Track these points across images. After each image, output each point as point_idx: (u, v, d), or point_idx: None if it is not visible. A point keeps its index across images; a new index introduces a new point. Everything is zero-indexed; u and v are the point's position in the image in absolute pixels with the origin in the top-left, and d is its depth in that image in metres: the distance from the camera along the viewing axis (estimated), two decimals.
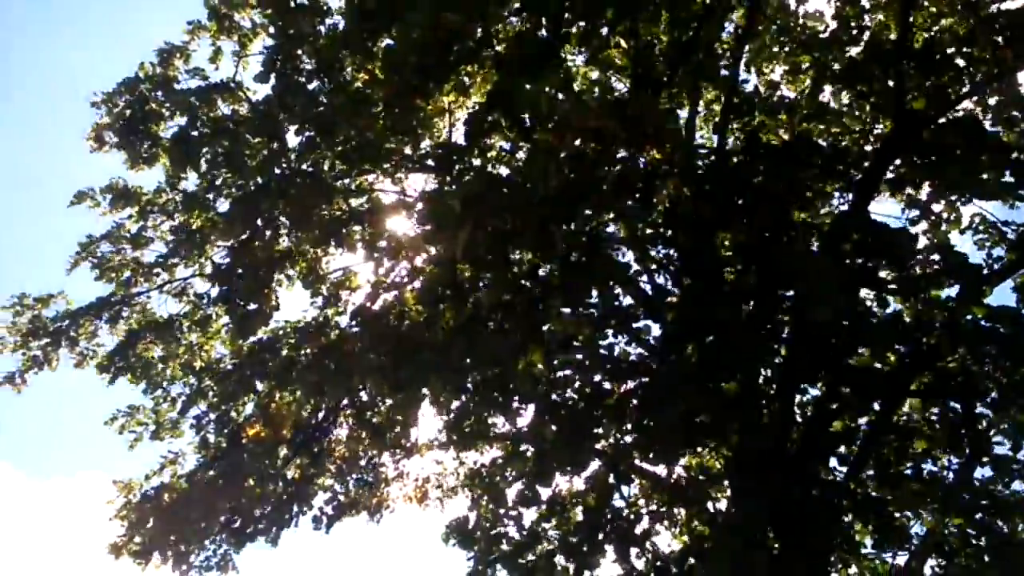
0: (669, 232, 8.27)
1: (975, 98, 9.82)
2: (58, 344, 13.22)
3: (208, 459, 12.81)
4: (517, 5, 7.89)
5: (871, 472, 9.70)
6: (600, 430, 8.75)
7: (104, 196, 13.30)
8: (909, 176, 9.23)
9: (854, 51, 9.71)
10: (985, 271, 9.08)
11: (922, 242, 10.21)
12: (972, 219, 11.12)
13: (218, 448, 12.90)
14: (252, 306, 11.27)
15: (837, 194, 10.18)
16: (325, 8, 11.07)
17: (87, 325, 13.33)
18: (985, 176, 7.97)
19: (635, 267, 9.29)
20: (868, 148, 10.27)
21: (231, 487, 11.83)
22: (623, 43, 9.71)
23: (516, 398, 8.73)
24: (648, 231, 8.48)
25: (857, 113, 10.76)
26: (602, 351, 9.04)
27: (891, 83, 8.27)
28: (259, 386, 12.91)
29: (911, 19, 8.90)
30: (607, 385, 8.85)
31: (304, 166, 11.75)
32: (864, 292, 9.16)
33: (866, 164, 9.25)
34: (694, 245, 8.11)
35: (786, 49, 11.35)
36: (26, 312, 13.17)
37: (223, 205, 12.74)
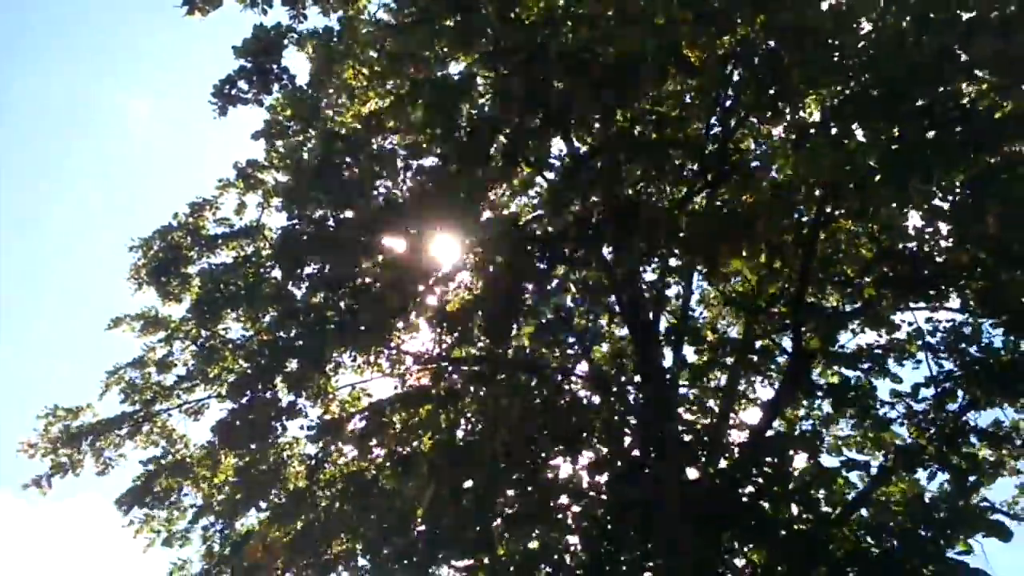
0: None
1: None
2: (83, 452, 14.81)
3: (211, 568, 14.35)
4: None
5: None
6: None
7: (136, 322, 14.97)
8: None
9: None
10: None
11: None
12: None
13: (221, 558, 14.41)
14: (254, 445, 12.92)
15: None
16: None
17: (110, 437, 14.92)
18: None
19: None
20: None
21: None
22: None
23: None
24: None
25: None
26: None
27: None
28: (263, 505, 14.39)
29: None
30: None
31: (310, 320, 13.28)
32: None
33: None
34: None
35: None
36: (57, 423, 14.78)
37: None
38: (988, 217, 7.57)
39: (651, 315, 12.41)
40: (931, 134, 7.20)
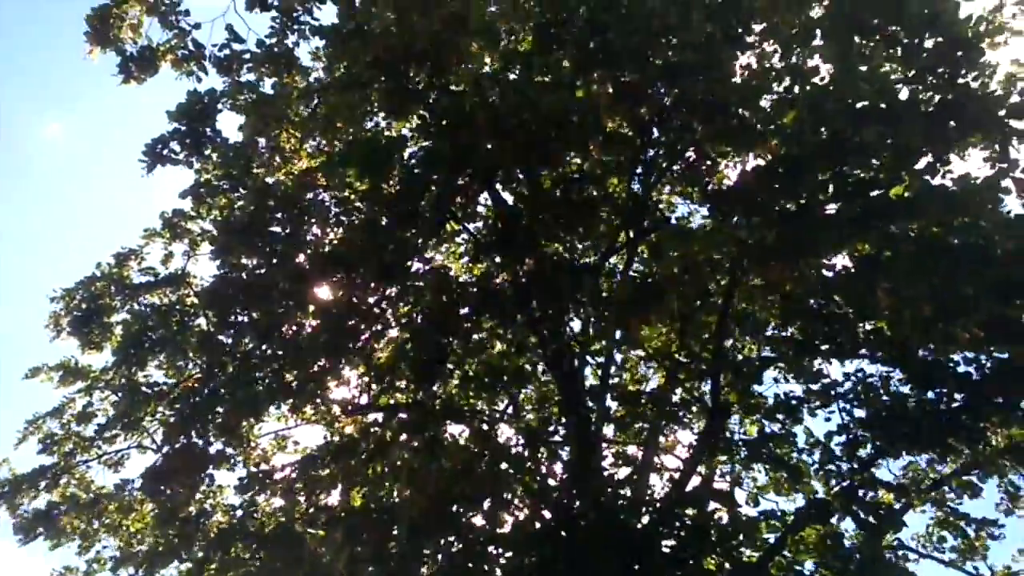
0: None
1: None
2: None
3: None
4: None
5: None
6: None
7: (55, 372, 14.65)
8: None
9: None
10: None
11: None
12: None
13: None
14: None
15: None
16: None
17: (28, 492, 14.47)
18: None
19: None
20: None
21: None
22: None
23: None
24: None
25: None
26: None
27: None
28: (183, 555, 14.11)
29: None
30: None
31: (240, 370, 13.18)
32: None
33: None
34: None
35: None
36: None
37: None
38: (879, 293, 8.07)
39: (575, 363, 12.71)
40: (830, 208, 7.69)
